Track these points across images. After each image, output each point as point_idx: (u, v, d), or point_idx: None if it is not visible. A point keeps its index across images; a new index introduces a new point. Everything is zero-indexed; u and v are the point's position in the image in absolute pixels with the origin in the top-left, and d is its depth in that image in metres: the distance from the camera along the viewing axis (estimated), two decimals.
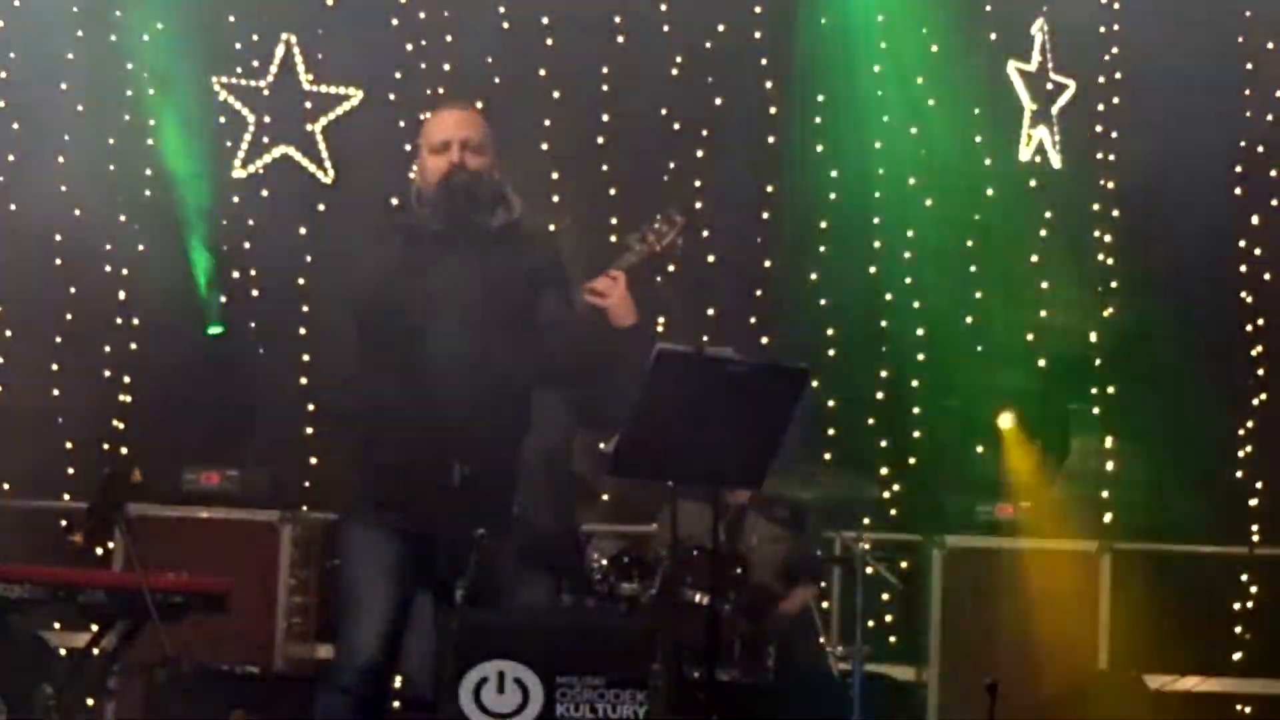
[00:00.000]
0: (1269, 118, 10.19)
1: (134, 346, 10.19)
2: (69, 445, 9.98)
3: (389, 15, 10.35)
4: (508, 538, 6.42)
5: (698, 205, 10.08)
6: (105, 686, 8.35)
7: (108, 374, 10.18)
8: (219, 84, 10.30)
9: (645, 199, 10.21)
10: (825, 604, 8.61)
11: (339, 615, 6.40)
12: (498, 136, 6.35)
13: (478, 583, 6.20)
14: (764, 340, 9.95)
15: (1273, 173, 10.19)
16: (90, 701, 8.49)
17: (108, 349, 10.21)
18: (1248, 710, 9.53)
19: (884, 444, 10.22)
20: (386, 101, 10.31)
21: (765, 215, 10.29)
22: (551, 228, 6.76)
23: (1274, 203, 10.18)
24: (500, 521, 6.32)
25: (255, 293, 10.30)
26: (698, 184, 10.31)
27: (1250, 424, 10.11)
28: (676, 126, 10.36)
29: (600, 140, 10.35)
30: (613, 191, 10.28)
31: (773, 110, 10.42)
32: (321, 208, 10.25)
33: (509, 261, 6.26)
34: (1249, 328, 10.17)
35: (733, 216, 9.84)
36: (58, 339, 10.16)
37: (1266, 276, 10.14)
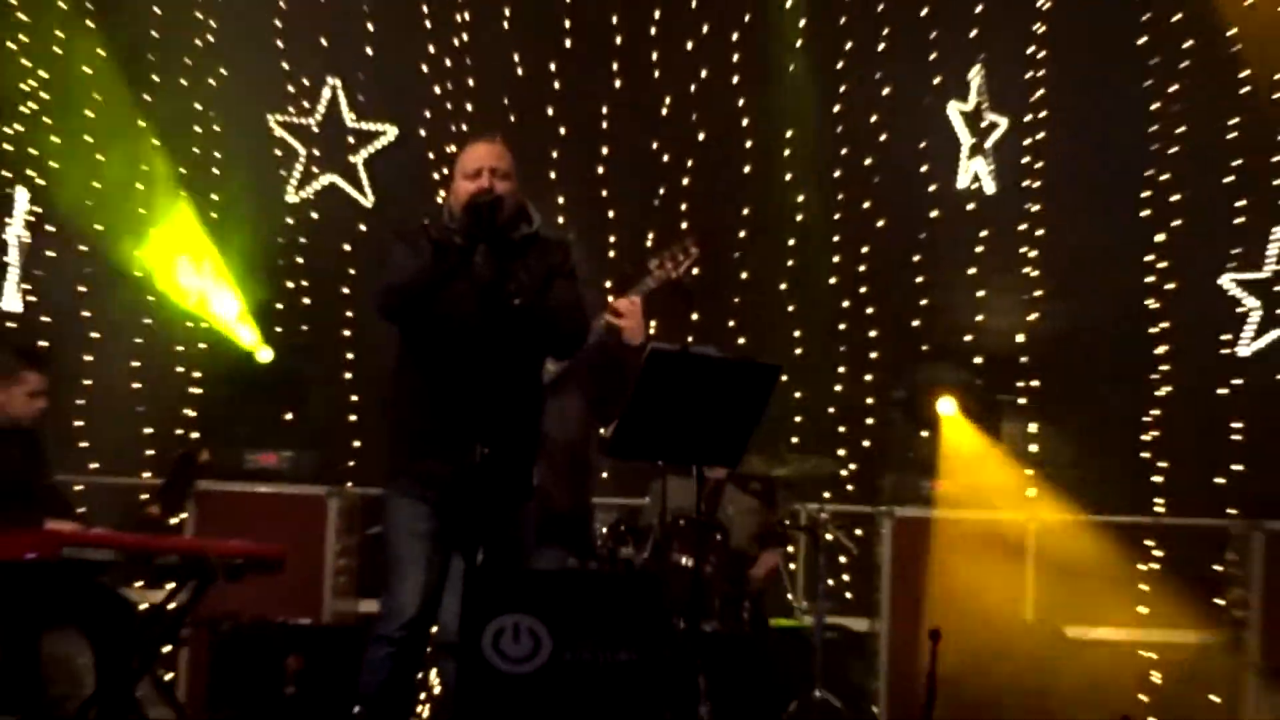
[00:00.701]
0: (1170, 150, 10.18)
1: (203, 346, 10.18)
2: (148, 430, 9.98)
3: (419, 62, 10.38)
4: (527, 508, 6.48)
5: (683, 225, 10.10)
6: (178, 637, 8.36)
7: (180, 369, 10.17)
8: (275, 121, 10.33)
9: (638, 219, 10.29)
10: (792, 566, 8.62)
11: (383, 575, 6.45)
12: (519, 164, 6.41)
13: (500, 551, 6.26)
14: (740, 340, 10.00)
15: (1173, 197, 10.16)
16: (165, 649, 8.49)
17: (180, 348, 10.20)
18: (1152, 656, 9.54)
19: (842, 429, 10.26)
20: (418, 137, 10.34)
21: (741, 234, 10.32)
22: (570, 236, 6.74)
23: (1175, 223, 10.16)
24: (519, 492, 6.37)
25: (306, 300, 10.28)
26: (683, 207, 10.35)
27: (1155, 411, 10.14)
28: (665, 158, 10.41)
29: (600, 169, 10.38)
30: (611, 213, 10.32)
31: (748, 144, 10.44)
32: (362, 228, 10.25)
33: (528, 265, 6.31)
34: (1154, 330, 10.19)
35: (714, 235, 9.84)
36: (138, 340, 10.13)
37: (1169, 286, 10.15)
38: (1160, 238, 10.23)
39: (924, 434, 9.79)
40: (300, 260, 10.37)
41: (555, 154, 10.29)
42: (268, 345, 10.03)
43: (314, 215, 10.39)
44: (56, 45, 10.29)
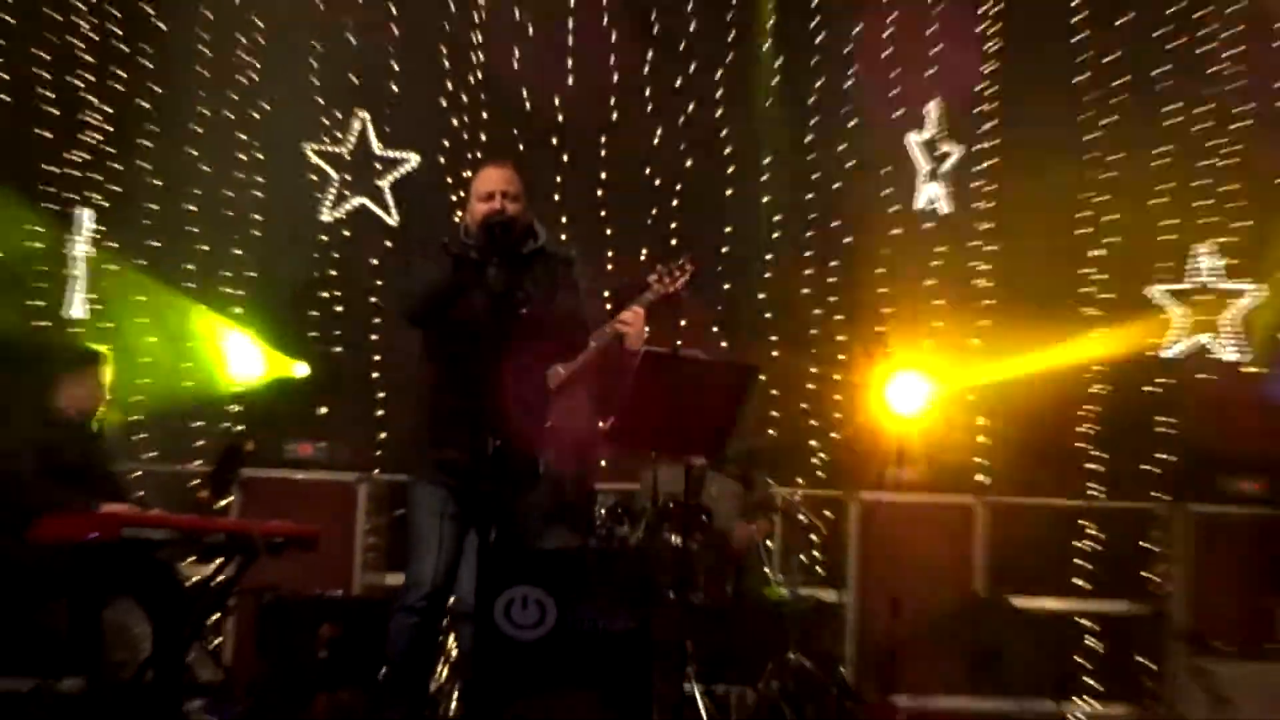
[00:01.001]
0: (1104, 176, 10.17)
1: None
2: (198, 423, 9.97)
3: (438, 97, 10.36)
4: (535, 494, 6.48)
5: (673, 243, 10.09)
6: (224, 607, 8.35)
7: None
8: (311, 149, 10.30)
9: (633, 237, 10.27)
10: (769, 543, 8.58)
11: (406, 552, 6.42)
12: (526, 187, 6.42)
13: (511, 531, 6.25)
14: (724, 344, 9.95)
15: (1106, 217, 10.15)
16: (213, 618, 8.47)
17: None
18: (1086, 623, 9.54)
19: (814, 423, 10.23)
20: (437, 163, 10.30)
21: (724, 249, 10.29)
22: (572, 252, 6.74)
23: (1108, 239, 10.16)
24: (526, 478, 6.37)
25: (339, 307, 10.26)
26: (673, 225, 10.33)
27: (1089, 407, 10.11)
28: (657, 183, 10.38)
29: (599, 193, 10.36)
30: (609, 231, 10.30)
31: (729, 170, 10.42)
32: (388, 244, 10.24)
33: (535, 276, 6.32)
34: (1090, 334, 10.17)
35: (699, 251, 9.81)
36: (190, 343, 10.10)
37: (1103, 296, 10.14)
38: (1095, 253, 10.19)
39: (889, 426, 9.77)
40: (334, 272, 10.35)
41: (559, 179, 10.25)
42: (303, 360, 10.00)
43: (345, 233, 10.37)
44: (118, 83, 10.28)
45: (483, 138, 10.36)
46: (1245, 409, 9.73)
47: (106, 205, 10.23)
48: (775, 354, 10.18)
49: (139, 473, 9.04)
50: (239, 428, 9.89)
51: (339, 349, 10.19)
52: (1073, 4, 10.26)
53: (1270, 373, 6.55)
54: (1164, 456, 10.00)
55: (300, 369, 9.99)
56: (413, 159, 10.34)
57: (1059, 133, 10.12)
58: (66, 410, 8.11)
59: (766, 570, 8.49)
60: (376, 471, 9.35)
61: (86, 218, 10.18)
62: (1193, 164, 10.10)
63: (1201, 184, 10.09)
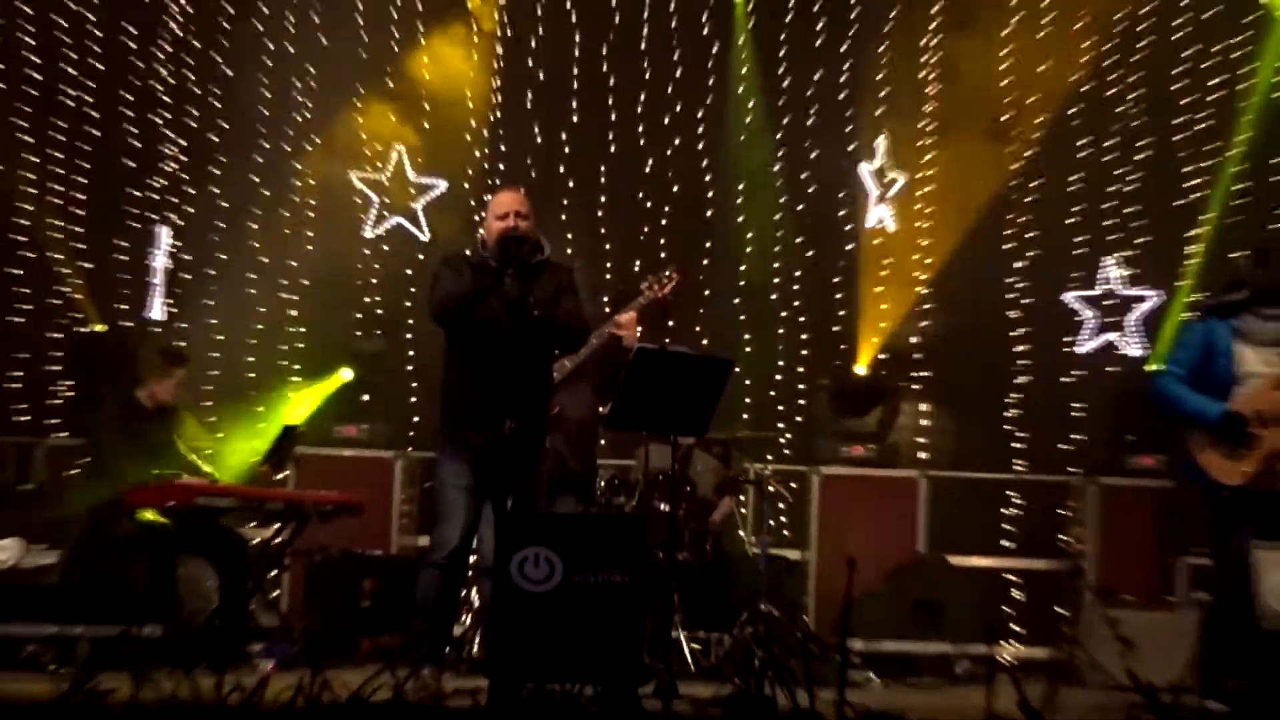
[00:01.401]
0: (1026, 200, 10.17)
1: (300, 346, 10.18)
2: (260, 409, 9.96)
3: (463, 132, 10.34)
4: (543, 468, 6.49)
5: (661, 255, 10.09)
6: (282, 564, 8.33)
7: (283, 363, 10.18)
8: (356, 177, 10.28)
9: (627, 250, 10.27)
10: (743, 510, 8.58)
11: (434, 517, 6.42)
12: (536, 208, 6.42)
13: (524, 500, 6.25)
14: (704, 341, 9.95)
15: (1029, 234, 10.16)
16: (272, 574, 8.46)
17: (284, 347, 10.20)
18: (1012, 578, 9.53)
19: (780, 408, 10.22)
20: (463, 189, 10.29)
21: (705, 261, 10.27)
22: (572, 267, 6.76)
23: (1030, 253, 10.16)
24: (536, 455, 6.37)
25: (379, 311, 10.26)
26: (662, 241, 10.31)
27: (1015, 395, 10.13)
28: (648, 204, 10.37)
29: (599, 212, 10.35)
30: (608, 246, 10.29)
31: (710, 194, 10.41)
32: (420, 256, 10.21)
33: (542, 284, 6.32)
34: (1015, 334, 10.18)
35: (685, 263, 9.79)
36: (252, 341, 10.14)
37: (1026, 300, 10.14)
38: (1019, 264, 10.20)
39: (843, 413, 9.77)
40: (374, 280, 10.34)
41: (565, 200, 10.25)
42: (349, 366, 9.98)
43: (385, 247, 10.35)
44: (191, 120, 10.27)
45: (500, 166, 10.35)
46: (1145, 397, 9.74)
47: (181, 224, 10.21)
48: (748, 349, 10.15)
49: (209, 451, 9.03)
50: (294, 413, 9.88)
51: (378, 346, 10.16)
52: (1000, 53, 10.23)
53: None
54: (1077, 437, 10.00)
55: (346, 374, 9.96)
56: (441, 184, 10.31)
57: (986, 162, 10.12)
58: (151, 400, 8.11)
59: (741, 533, 8.49)
60: (410, 449, 9.31)
61: (165, 234, 10.16)
62: (1101, 189, 10.09)
63: (1108, 205, 10.08)
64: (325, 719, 4.11)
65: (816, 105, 10.34)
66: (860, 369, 10.01)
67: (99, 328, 9.90)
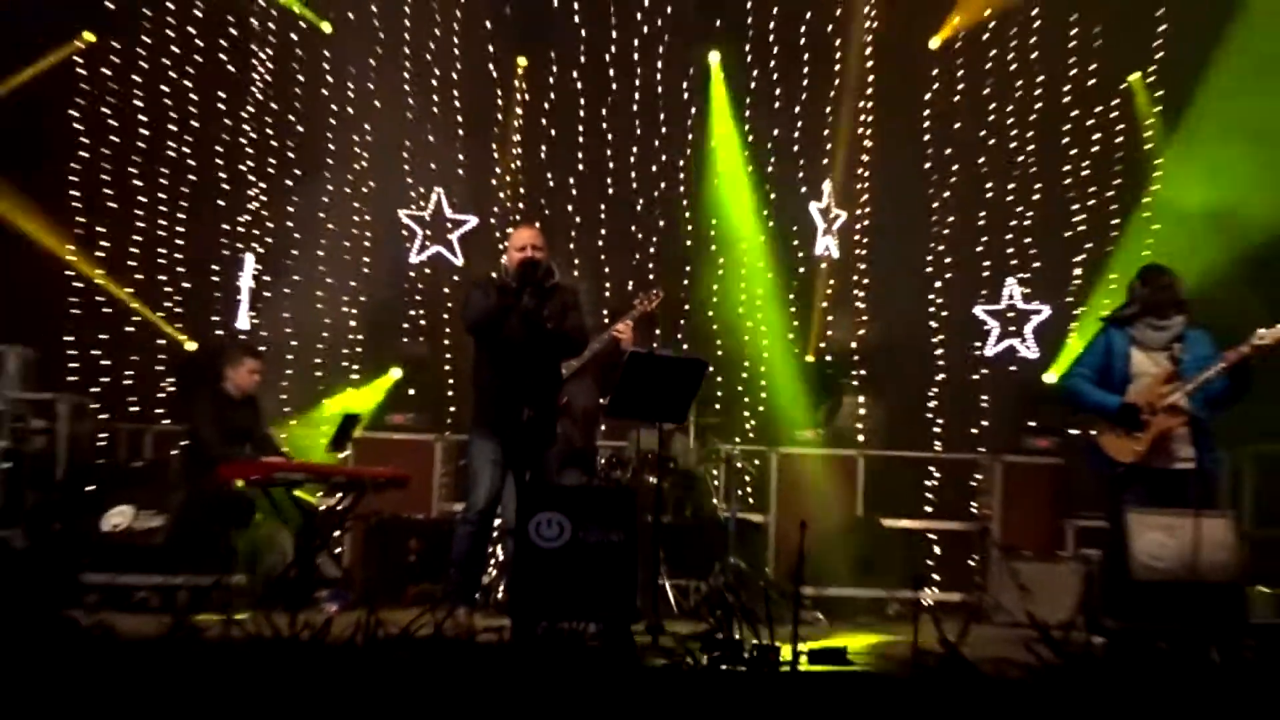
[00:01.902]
0: (944, 232, 10.17)
1: (359, 350, 10.15)
2: (326, 400, 9.97)
3: (489, 178, 10.32)
4: (555, 448, 6.49)
5: (650, 277, 10.07)
6: (344, 526, 8.32)
7: (345, 364, 10.15)
8: (403, 214, 10.24)
9: (622, 273, 10.24)
10: (716, 481, 8.55)
11: (466, 486, 6.43)
12: (548, 240, 6.42)
13: (539, 473, 6.25)
14: (685, 346, 9.93)
15: (946, 260, 10.14)
16: (336, 534, 8.44)
17: (345, 351, 10.16)
18: (932, 536, 9.53)
19: (746, 399, 10.20)
20: (489, 224, 10.27)
21: (685, 281, 10.24)
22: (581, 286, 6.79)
23: (947, 275, 10.16)
24: (548, 437, 6.37)
25: (422, 322, 10.23)
26: (650, 265, 10.29)
27: (935, 390, 10.12)
28: (639, 236, 10.34)
29: (600, 242, 10.32)
30: (606, 270, 10.26)
31: (689, 227, 10.38)
32: (455, 279, 10.19)
33: (553, 302, 6.31)
34: (935, 339, 10.18)
35: (669, 282, 9.77)
36: (320, 345, 10.12)
37: (944, 313, 10.14)
38: (938, 284, 10.20)
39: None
40: (418, 298, 10.29)
41: (571, 233, 10.21)
42: (397, 367, 9.93)
43: (427, 271, 10.29)
44: (270, 166, 10.25)
45: (520, 205, 10.32)
46: (1037, 391, 9.75)
47: (263, 251, 10.17)
48: (719, 352, 10.13)
49: (285, 434, 9.02)
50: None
51: (421, 351, 10.15)
52: (923, 115, 10.23)
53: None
54: (985, 423, 10.00)
55: (395, 373, 9.93)
56: (472, 220, 10.28)
57: (913, 201, 10.12)
58: (237, 392, 8.09)
59: (714, 500, 8.47)
60: (446, 433, 9.28)
61: (250, 259, 10.12)
62: (1004, 223, 10.09)
63: (1009, 236, 10.07)
64: (378, 651, 4.09)
65: (774, 157, 10.31)
66: (809, 358, 10.01)
67: (191, 345, 9.91)
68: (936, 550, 9.59)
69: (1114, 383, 6.27)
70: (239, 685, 3.59)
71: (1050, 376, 9.55)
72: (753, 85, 10.30)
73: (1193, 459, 6.17)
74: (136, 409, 9.86)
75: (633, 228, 10.33)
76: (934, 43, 10.22)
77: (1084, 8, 10.00)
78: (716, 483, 8.54)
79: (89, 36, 10.00)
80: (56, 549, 7.28)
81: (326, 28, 10.23)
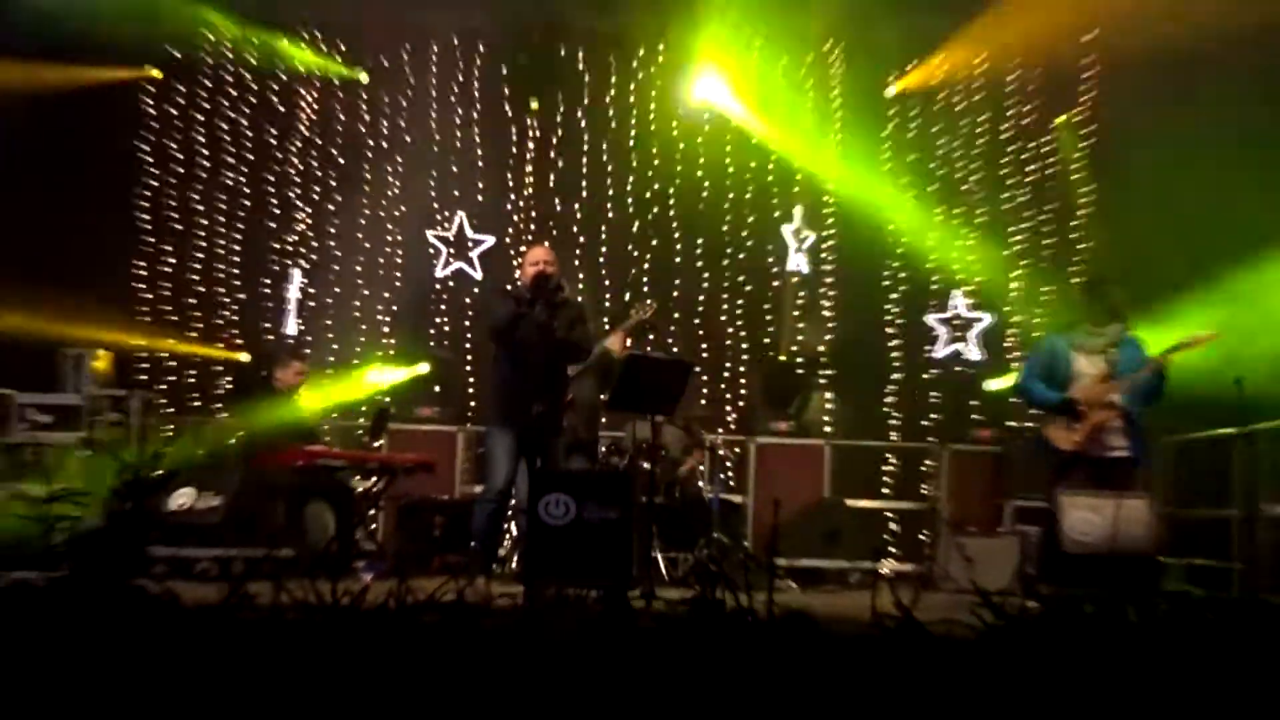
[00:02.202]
0: (898, 250, 10.16)
1: (392, 353, 10.13)
2: (362, 397, 9.94)
3: (505, 203, 10.30)
4: (562, 438, 6.49)
5: (644, 290, 10.05)
6: (378, 506, 8.32)
7: (379, 365, 10.12)
8: (430, 234, 10.24)
9: (620, 288, 10.22)
10: (702, 467, 8.56)
11: (485, 471, 6.41)
12: (558, 258, 6.42)
13: (548, 460, 6.23)
14: (675, 350, 9.92)
15: (900, 275, 10.14)
16: (372, 513, 8.44)
17: (379, 353, 10.11)
18: (890, 515, 9.54)
19: (728, 396, 10.19)
20: (504, 243, 10.25)
21: (674, 293, 10.23)
22: (580, 300, 6.77)
23: (903, 287, 10.16)
24: (555, 429, 6.36)
25: (446, 328, 10.21)
26: (644, 278, 10.27)
27: (891, 386, 10.12)
28: (634, 254, 10.32)
29: (600, 260, 10.31)
30: (607, 283, 10.25)
31: (677, 247, 10.36)
32: (475, 290, 10.18)
33: (563, 313, 6.29)
34: (891, 344, 10.18)
35: (661, 294, 9.79)
36: (357, 348, 10.08)
37: (901, 322, 10.14)
38: (894, 295, 10.20)
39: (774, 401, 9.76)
40: (443, 307, 10.26)
41: (577, 252, 10.21)
42: (425, 360, 9.93)
43: (451, 284, 10.27)
44: (314, 194, 10.23)
45: (531, 226, 10.31)
46: (980, 389, 9.75)
47: (308, 266, 10.17)
48: (705, 355, 10.13)
49: (327, 425, 9.01)
50: (386, 399, 9.84)
51: (447, 353, 10.14)
52: (881, 149, 10.22)
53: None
54: (934, 416, 10.00)
55: (423, 368, 9.92)
56: (490, 240, 10.28)
57: (873, 224, 10.13)
58: (282, 388, 8.08)
59: (700, 484, 8.48)
60: (467, 425, 9.29)
61: (297, 274, 10.12)
62: (951, 241, 10.10)
63: (956, 254, 10.07)
64: (408, 615, 4.08)
65: (752, 185, 10.31)
66: (783, 361, 10.00)
67: (244, 358, 9.89)
68: (893, 527, 9.62)
69: (1059, 382, 6.32)
70: (287, 644, 3.58)
71: (996, 383, 9.60)
72: (734, 123, 10.30)
73: (1125, 448, 6.21)
74: (197, 404, 9.86)
75: (629, 246, 10.32)
76: (890, 91, 10.21)
77: (1021, 58, 10.03)
78: (703, 468, 8.55)
79: (155, 73, 9.99)
80: (128, 526, 7.25)
81: (363, 77, 10.21)
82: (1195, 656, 3.51)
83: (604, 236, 10.33)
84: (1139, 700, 3.17)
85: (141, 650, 3.46)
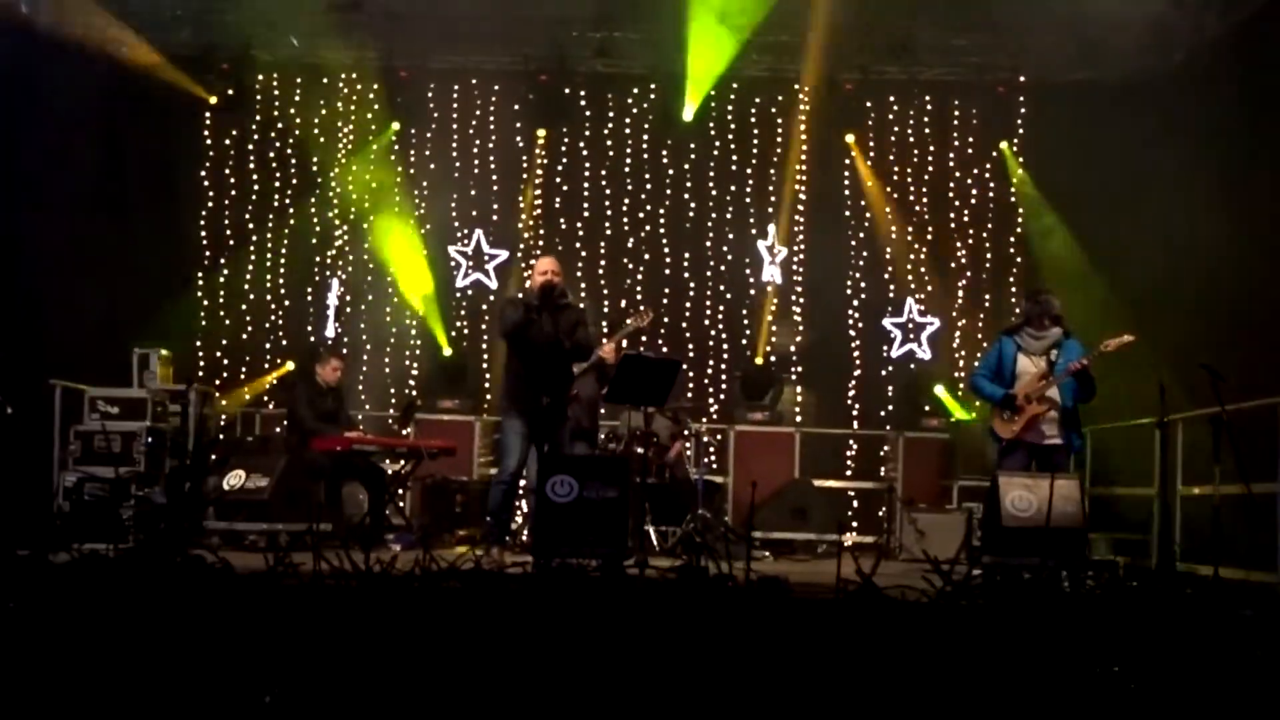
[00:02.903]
0: (859, 264, 10.13)
1: (417, 351, 10.08)
2: (391, 389, 9.89)
3: (516, 221, 10.24)
4: (565, 427, 6.45)
5: (638, 298, 10.01)
6: (406, 485, 8.30)
7: (406, 361, 10.07)
8: (452, 250, 10.19)
9: (618, 296, 10.19)
10: (688, 451, 8.54)
11: (500, 455, 6.39)
12: (563, 268, 6.38)
13: (555, 445, 6.21)
14: (665, 349, 9.89)
15: (862, 285, 10.11)
16: (401, 492, 8.42)
17: (406, 351, 10.07)
18: (852, 493, 9.53)
19: (711, 389, 10.17)
20: (515, 256, 10.20)
21: (665, 301, 10.18)
22: (582, 305, 6.73)
23: (863, 295, 10.13)
24: (560, 418, 6.33)
25: (465, 330, 10.18)
26: (639, 290, 10.23)
27: (852, 383, 10.08)
28: (629, 266, 10.28)
29: (600, 271, 10.26)
30: (605, 292, 10.19)
31: (667, 259, 10.31)
32: (491, 298, 10.13)
33: (567, 318, 6.27)
34: (853, 345, 10.13)
35: (654, 302, 9.75)
36: (387, 349, 10.05)
37: (861, 326, 10.12)
38: (855, 302, 10.17)
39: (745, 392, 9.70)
40: (463, 312, 10.21)
41: (580, 263, 10.16)
42: (448, 346, 9.91)
43: (470, 292, 10.21)
44: (350, 213, 10.21)
45: (540, 241, 10.28)
46: (932, 384, 9.75)
47: (345, 277, 10.13)
48: (691, 354, 10.11)
49: (360, 415, 8.99)
50: (413, 391, 9.81)
51: (464, 350, 10.09)
52: (843, 176, 10.21)
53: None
54: (890, 407, 9.98)
55: (446, 352, 9.89)
56: (503, 254, 10.23)
57: (839, 241, 10.10)
58: (323, 382, 8.05)
59: (687, 466, 8.47)
60: (483, 415, 9.26)
61: (335, 283, 10.08)
62: (905, 254, 10.07)
63: (910, 266, 10.06)
64: (433, 581, 4.08)
65: (727, 207, 10.29)
66: (759, 360, 9.99)
67: (290, 365, 9.85)
68: (855, 504, 9.61)
69: (1005, 379, 6.38)
70: (326, 606, 3.58)
71: (940, 389, 9.62)
72: (715, 154, 10.29)
73: (1058, 437, 6.29)
74: (248, 397, 9.83)
75: (625, 259, 10.29)
76: (850, 138, 10.14)
77: (960, 95, 10.05)
78: (689, 452, 8.54)
79: (212, 99, 9.95)
80: (187, 503, 7.23)
81: (395, 126, 10.13)
82: (1119, 616, 3.52)
83: (603, 250, 10.29)
84: (1068, 651, 3.18)
85: (200, 611, 3.46)
